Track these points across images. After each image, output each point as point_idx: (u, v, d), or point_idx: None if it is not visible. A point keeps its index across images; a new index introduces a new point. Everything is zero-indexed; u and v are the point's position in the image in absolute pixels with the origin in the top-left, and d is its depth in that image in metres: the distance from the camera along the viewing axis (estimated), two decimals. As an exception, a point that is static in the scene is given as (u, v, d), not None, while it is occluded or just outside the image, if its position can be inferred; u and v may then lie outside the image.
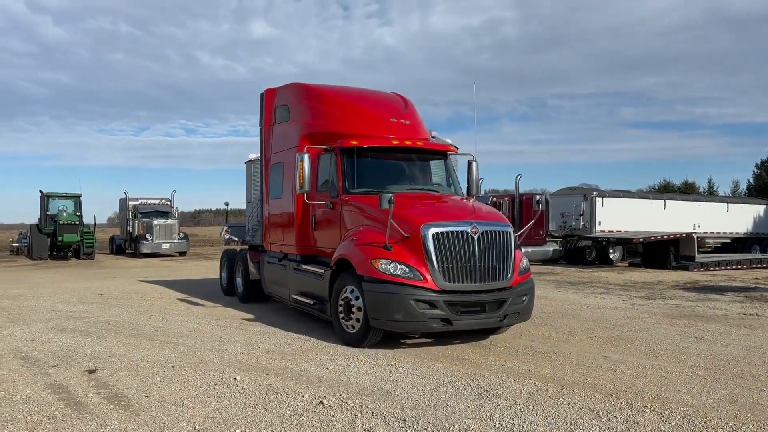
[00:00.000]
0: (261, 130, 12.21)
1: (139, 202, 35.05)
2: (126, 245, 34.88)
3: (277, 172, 11.56)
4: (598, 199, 25.52)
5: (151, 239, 31.81)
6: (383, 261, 8.00)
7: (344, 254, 8.69)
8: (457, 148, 10.86)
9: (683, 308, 12.28)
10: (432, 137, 34.99)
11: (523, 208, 23.66)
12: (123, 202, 36.03)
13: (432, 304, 7.84)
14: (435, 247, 7.94)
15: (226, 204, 22.50)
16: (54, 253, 30.41)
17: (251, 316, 10.89)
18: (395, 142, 9.90)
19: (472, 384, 6.34)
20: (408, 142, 9.98)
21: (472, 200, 9.83)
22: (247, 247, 13.91)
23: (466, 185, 10.61)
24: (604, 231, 25.52)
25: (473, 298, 8.09)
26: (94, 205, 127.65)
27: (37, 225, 30.49)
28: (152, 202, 35.53)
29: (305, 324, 9.99)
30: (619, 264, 25.60)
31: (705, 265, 22.77)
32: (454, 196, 9.92)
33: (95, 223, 33.13)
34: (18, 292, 15.04)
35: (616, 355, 7.84)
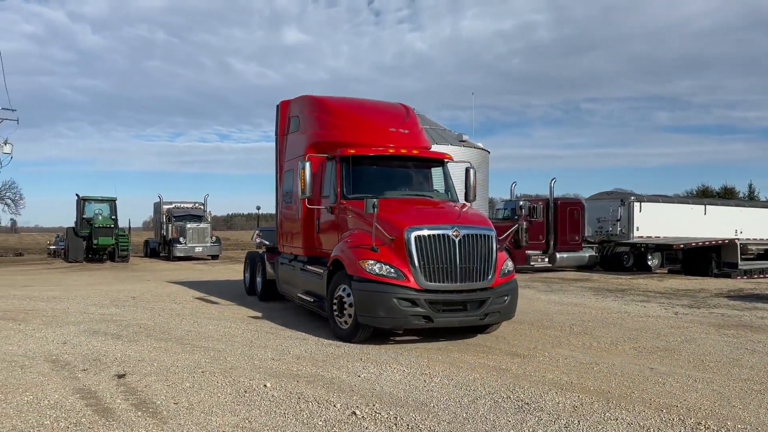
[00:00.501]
0: (276, 139, 13.09)
1: (173, 205, 35.50)
2: (160, 248, 35.30)
3: (288, 179, 12.31)
4: (636, 204, 24.84)
5: (184, 242, 32.12)
6: (370, 261, 8.57)
7: (337, 255, 9.28)
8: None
9: (729, 317, 11.74)
10: (462, 141, 34.76)
11: (557, 213, 23.17)
12: (157, 206, 36.51)
13: (414, 302, 8.36)
14: (417, 249, 8.49)
15: (258, 208, 22.65)
16: (89, 255, 30.89)
17: (282, 321, 10.73)
18: (391, 151, 10.44)
19: (511, 396, 6.03)
20: (403, 151, 10.51)
21: (465, 205, 10.32)
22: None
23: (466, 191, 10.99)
24: (642, 237, 24.83)
25: (454, 297, 8.57)
26: (129, 209, 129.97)
27: (73, 228, 31.02)
28: (186, 206, 35.96)
29: (327, 326, 9.79)
30: (658, 271, 24.85)
31: (748, 273, 21.95)
32: (447, 202, 10.42)
33: (130, 227, 33.56)
34: (53, 294, 15.17)
35: (663, 366, 7.44)
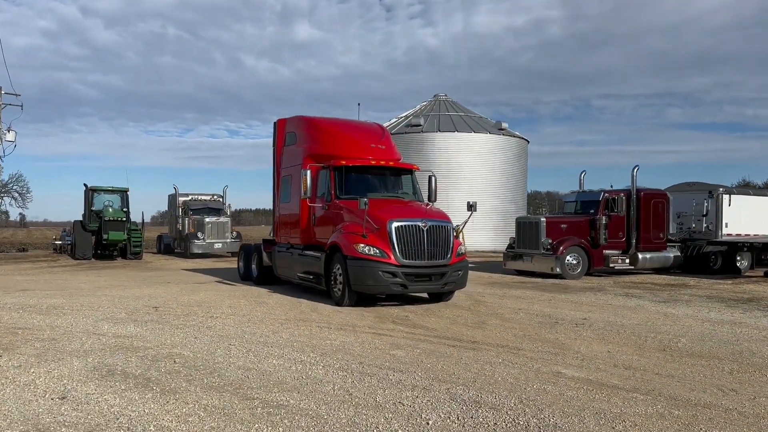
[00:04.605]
0: (274, 150, 15.50)
1: (190, 198, 32.27)
2: (175, 244, 32.25)
3: (286, 183, 14.77)
4: (725, 197, 21.51)
5: (203, 238, 29.02)
6: (361, 245, 11.24)
7: (335, 241, 11.95)
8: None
9: None
10: (501, 129, 32.45)
11: (641, 205, 19.91)
12: (172, 198, 33.41)
13: (393, 274, 11.14)
14: (396, 236, 11.25)
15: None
16: (98, 251, 27.82)
17: (357, 343, 7.60)
18: (372, 162, 13.18)
19: None
20: (382, 162, 13.30)
21: (429, 205, 13.14)
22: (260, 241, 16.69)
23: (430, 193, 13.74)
24: (731, 234, 21.52)
25: (423, 271, 11.40)
26: (139, 204, 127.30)
27: (80, 221, 27.95)
28: (203, 198, 32.71)
29: (442, 360, 6.65)
30: (750, 273, 21.57)
31: None
32: (415, 202, 13.10)
33: (143, 221, 30.53)
34: (54, 301, 12.12)
35: None
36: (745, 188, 23.56)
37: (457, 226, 12.78)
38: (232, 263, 25.63)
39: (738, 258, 21.76)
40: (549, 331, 9.20)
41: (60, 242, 32.40)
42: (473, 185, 35.01)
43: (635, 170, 19.94)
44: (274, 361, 7.02)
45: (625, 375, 6.57)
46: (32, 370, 6.45)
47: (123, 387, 5.84)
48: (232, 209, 34.17)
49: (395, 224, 11.28)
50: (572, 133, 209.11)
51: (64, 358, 7.07)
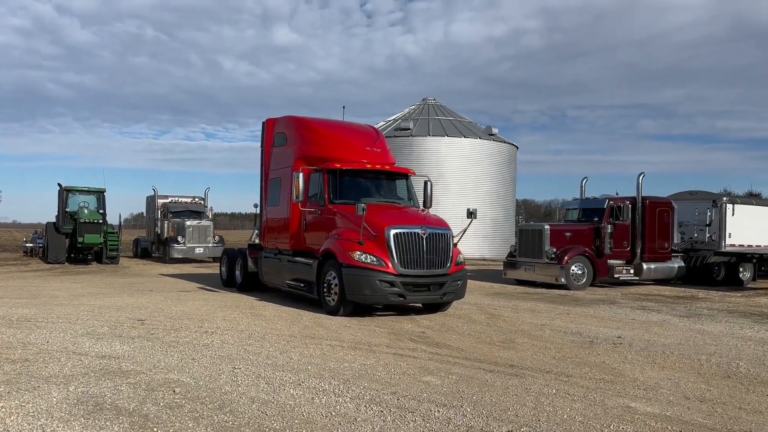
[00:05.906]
0: (262, 151, 14.74)
1: (170, 200, 30.86)
2: (153, 248, 30.84)
3: (274, 185, 13.99)
4: (728, 207, 20.91)
5: (183, 242, 27.69)
6: (357, 252, 10.66)
7: (329, 248, 11.23)
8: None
9: None
10: (491, 134, 31.79)
11: (646, 213, 19.19)
12: (150, 201, 31.97)
13: (391, 284, 10.60)
14: (394, 243, 10.67)
15: (256, 206, 18.81)
16: (72, 255, 26.35)
17: (380, 366, 6.59)
18: (368, 166, 12.50)
19: None
20: (378, 166, 12.60)
21: (425, 211, 12.59)
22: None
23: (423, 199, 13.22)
24: (734, 245, 20.94)
25: (421, 280, 10.85)
26: (110, 206, 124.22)
27: (54, 223, 26.43)
28: (184, 200, 31.31)
29: (487, 391, 5.67)
30: (752, 285, 21.01)
31: None
32: (412, 207, 12.51)
33: (121, 223, 29.08)
34: (26, 312, 10.89)
35: None
36: (748, 198, 22.96)
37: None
38: (213, 268, 24.38)
39: (741, 269, 21.20)
40: (588, 353, 8.28)
41: (31, 245, 30.81)
42: (463, 190, 34.24)
43: (641, 177, 19.22)
44: (292, 391, 5.97)
45: (705, 410, 5.66)
46: (1, 404, 5.30)
47: (116, 429, 4.74)
48: (213, 212, 32.89)
49: (393, 231, 10.73)
50: (548, 143, 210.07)
51: (41, 386, 5.93)
